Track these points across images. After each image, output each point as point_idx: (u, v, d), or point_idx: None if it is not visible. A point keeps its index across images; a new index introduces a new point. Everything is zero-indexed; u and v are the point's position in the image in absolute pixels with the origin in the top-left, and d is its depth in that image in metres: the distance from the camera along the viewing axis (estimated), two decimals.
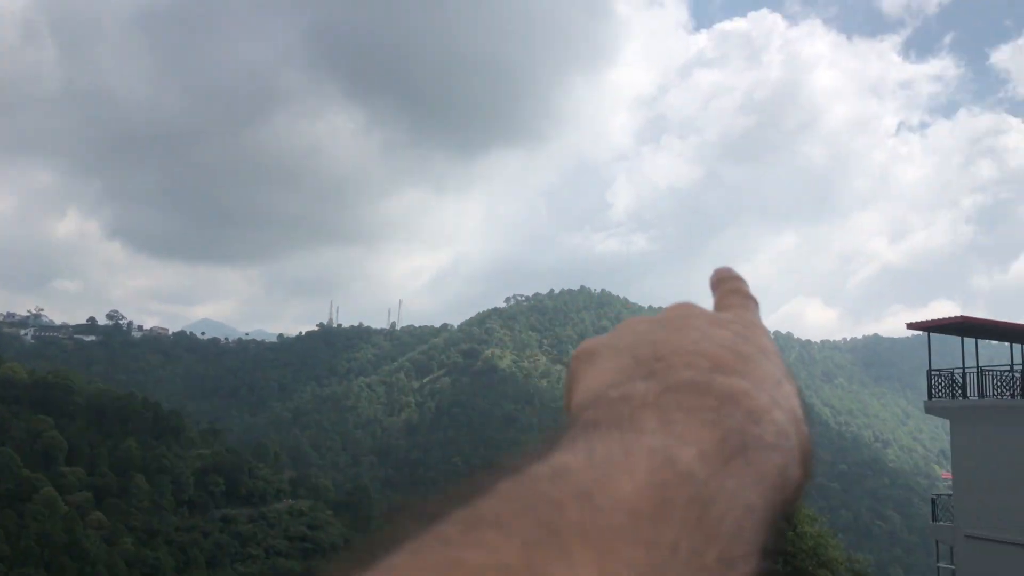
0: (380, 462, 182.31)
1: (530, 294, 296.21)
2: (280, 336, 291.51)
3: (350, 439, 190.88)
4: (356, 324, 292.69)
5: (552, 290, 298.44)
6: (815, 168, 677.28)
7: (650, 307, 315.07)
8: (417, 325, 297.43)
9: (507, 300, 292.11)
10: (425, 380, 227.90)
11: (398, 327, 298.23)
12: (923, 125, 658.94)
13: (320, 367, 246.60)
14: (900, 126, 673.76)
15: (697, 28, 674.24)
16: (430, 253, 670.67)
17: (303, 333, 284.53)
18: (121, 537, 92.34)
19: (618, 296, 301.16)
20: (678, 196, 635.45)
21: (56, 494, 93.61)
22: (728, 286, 0.72)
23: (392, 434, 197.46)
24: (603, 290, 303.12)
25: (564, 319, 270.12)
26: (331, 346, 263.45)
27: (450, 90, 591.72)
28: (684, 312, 0.63)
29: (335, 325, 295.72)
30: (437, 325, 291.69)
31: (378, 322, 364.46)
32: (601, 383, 0.53)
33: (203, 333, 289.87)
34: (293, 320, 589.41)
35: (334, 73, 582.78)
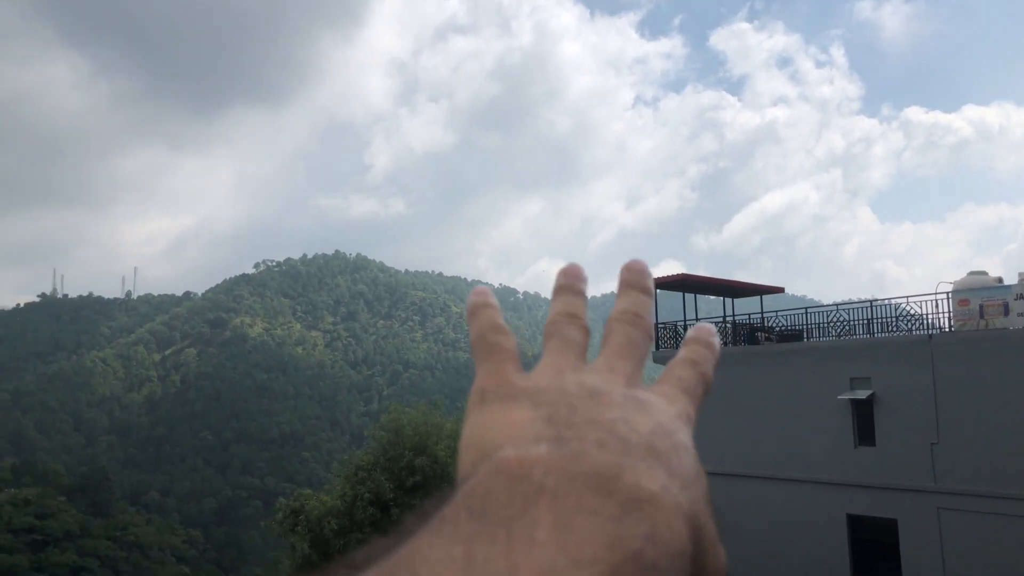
0: (120, 441, 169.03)
1: (282, 259, 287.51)
2: None
3: (83, 419, 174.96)
4: (85, 294, 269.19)
5: (305, 255, 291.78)
6: (559, 137, 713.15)
7: (406, 271, 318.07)
8: (156, 294, 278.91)
9: (257, 266, 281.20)
10: (168, 352, 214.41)
11: (134, 296, 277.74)
12: (655, 99, 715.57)
13: (44, 342, 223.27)
14: (636, 100, 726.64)
15: None
16: (169, 216, 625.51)
17: (21, 305, 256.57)
18: None
19: (374, 260, 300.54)
20: (435, 160, 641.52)
21: None
22: (691, 353, 0.66)
23: (132, 411, 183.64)
24: (359, 254, 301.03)
25: (319, 284, 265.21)
26: (56, 319, 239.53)
27: (184, 39, 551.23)
28: (612, 385, 0.55)
29: (60, 295, 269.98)
30: (179, 293, 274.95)
31: (111, 291, 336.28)
32: (506, 437, 0.49)
33: None
34: (8, 291, 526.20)
35: (49, 14, 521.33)
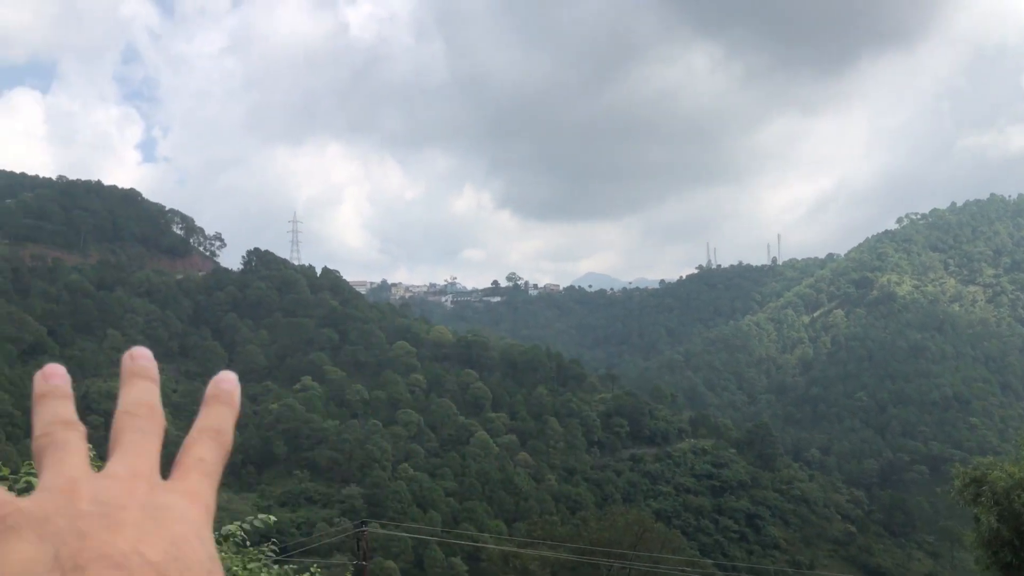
0: (777, 399, 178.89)
1: (926, 211, 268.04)
2: (662, 282, 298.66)
3: (744, 378, 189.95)
4: (735, 263, 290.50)
5: (954, 203, 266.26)
6: None
7: None
8: (800, 258, 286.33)
9: (899, 221, 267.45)
10: (816, 314, 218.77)
11: (779, 262, 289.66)
12: None
13: (705, 309, 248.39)
14: None
15: None
16: (806, 181, 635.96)
17: (683, 277, 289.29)
18: (545, 475, 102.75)
19: None
20: None
21: (488, 437, 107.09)
22: (212, 420, 0.62)
23: (787, 371, 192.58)
24: (1021, 194, 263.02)
25: (972, 234, 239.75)
26: (713, 287, 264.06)
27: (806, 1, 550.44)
28: (129, 495, 0.52)
29: (714, 266, 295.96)
30: (821, 256, 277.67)
31: (757, 259, 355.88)
32: None
33: (590, 286, 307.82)
34: (671, 265, 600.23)
35: (685, 12, 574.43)
